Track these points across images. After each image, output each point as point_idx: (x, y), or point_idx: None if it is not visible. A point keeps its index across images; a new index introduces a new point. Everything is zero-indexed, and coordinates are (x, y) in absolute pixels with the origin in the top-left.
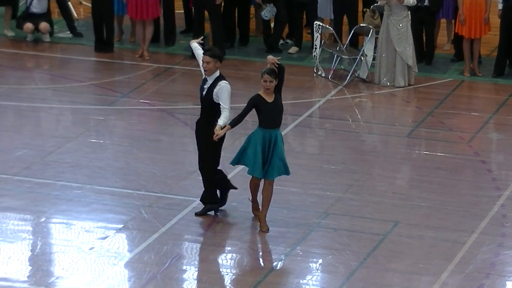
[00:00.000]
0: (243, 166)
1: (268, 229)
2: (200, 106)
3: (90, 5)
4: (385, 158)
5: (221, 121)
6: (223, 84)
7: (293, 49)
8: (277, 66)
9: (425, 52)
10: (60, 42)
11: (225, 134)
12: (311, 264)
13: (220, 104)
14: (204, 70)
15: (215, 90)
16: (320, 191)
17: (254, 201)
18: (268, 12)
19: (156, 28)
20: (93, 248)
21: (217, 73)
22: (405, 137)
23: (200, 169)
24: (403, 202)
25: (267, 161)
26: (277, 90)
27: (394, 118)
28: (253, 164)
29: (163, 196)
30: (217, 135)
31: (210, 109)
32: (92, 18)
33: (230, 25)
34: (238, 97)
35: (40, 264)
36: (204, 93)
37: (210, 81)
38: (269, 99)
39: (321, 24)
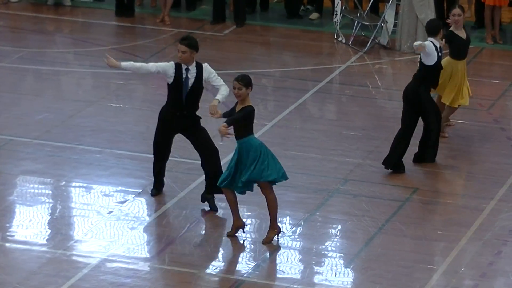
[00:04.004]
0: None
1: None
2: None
3: None
4: None
5: (219, 96)
6: (206, 64)
7: (314, 15)
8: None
9: (446, 20)
10: (81, 6)
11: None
12: (330, 230)
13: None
14: (179, 58)
15: (204, 75)
16: (340, 157)
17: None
18: None
19: None
20: (112, 212)
21: (194, 61)
22: None
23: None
24: (423, 168)
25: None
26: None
27: None
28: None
29: (183, 161)
30: (226, 132)
31: (196, 99)
32: None
33: None
34: (259, 63)
35: (59, 227)
36: (191, 82)
37: (192, 70)
38: None
39: None
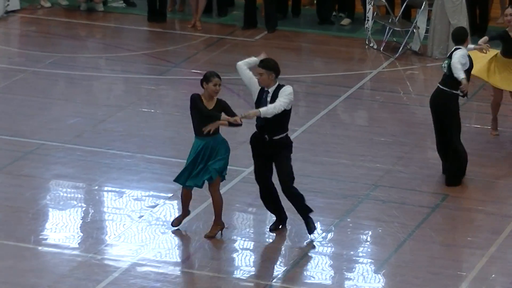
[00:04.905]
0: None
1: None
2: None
3: None
4: None
5: (263, 108)
6: (287, 87)
7: (345, 21)
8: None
9: (478, 25)
10: (113, 11)
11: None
12: (359, 236)
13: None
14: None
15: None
16: (370, 163)
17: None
18: None
19: None
20: (142, 216)
21: (276, 84)
22: None
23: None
24: None
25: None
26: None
27: None
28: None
29: None
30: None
31: (274, 122)
32: None
33: None
34: (289, 68)
35: (90, 231)
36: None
37: (271, 92)
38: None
39: None
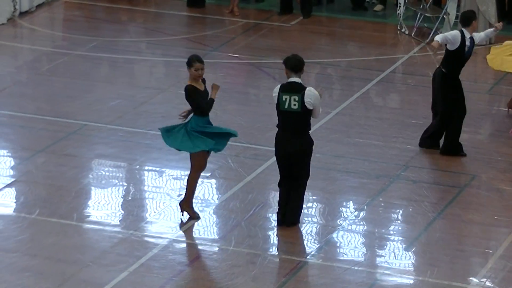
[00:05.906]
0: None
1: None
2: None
3: None
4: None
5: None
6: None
7: (378, 7)
8: None
9: (507, 11)
10: None
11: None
12: (391, 214)
13: None
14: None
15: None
16: (401, 144)
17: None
18: None
19: None
20: (181, 195)
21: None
22: (485, 94)
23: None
24: (482, 156)
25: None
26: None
27: (475, 75)
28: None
29: (249, 147)
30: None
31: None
32: None
33: None
34: (324, 53)
35: (131, 209)
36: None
37: None
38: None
39: None
